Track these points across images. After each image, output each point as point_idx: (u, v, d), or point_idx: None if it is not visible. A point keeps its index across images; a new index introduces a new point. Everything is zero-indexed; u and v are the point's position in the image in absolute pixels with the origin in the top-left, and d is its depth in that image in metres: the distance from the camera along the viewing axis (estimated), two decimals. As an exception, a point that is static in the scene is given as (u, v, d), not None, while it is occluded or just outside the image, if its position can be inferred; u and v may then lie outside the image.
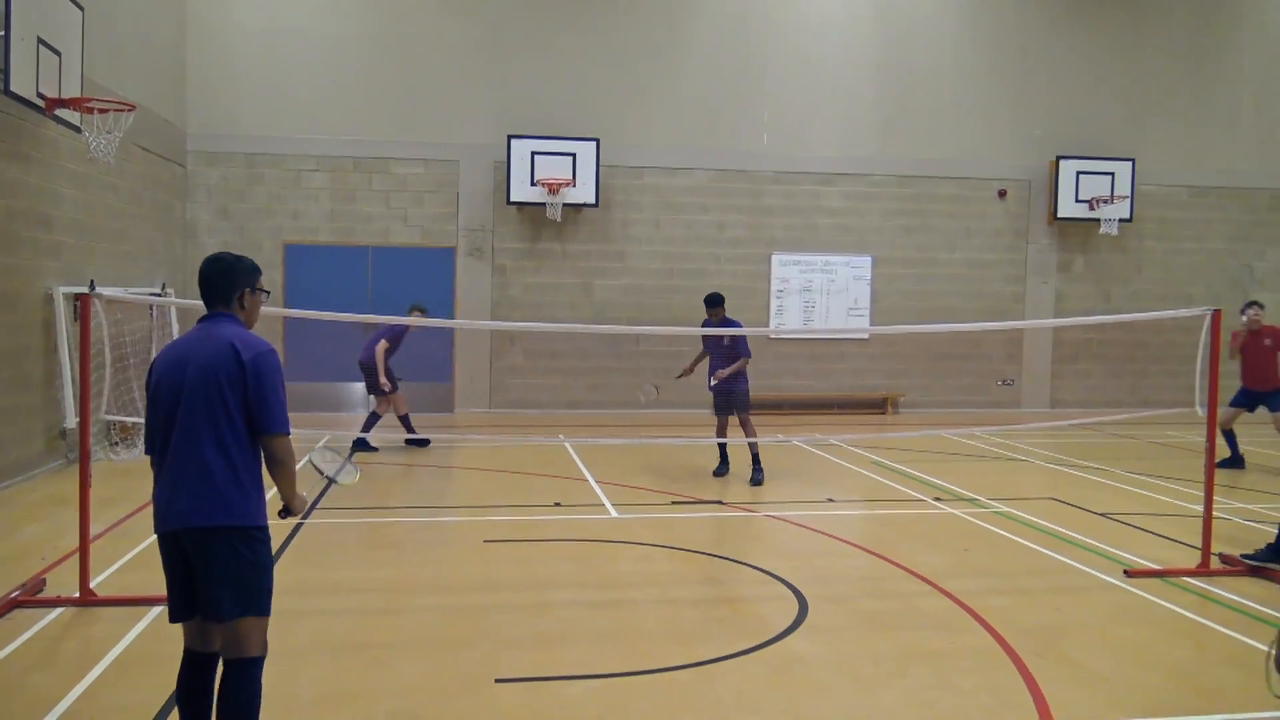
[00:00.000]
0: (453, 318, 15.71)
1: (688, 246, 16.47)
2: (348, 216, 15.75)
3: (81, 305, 6.15)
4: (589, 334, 15.99)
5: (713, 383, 10.30)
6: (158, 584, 6.24)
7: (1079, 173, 16.89)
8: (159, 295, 13.48)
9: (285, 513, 3.88)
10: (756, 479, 10.26)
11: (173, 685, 4.66)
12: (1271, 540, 7.19)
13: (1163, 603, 6.43)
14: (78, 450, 10.64)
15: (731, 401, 10.37)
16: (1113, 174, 16.91)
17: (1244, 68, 17.80)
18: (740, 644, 5.56)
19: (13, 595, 6.01)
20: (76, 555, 7.13)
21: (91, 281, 11.25)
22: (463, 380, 15.96)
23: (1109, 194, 16.86)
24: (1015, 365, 17.45)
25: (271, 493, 3.85)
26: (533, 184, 15.51)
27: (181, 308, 12.94)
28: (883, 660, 5.42)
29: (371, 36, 15.68)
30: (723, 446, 10.74)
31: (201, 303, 3.90)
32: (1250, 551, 7.23)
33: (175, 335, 13.56)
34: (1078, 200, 16.89)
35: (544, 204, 15.56)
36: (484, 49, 15.90)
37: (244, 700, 3.62)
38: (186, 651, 3.84)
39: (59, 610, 5.95)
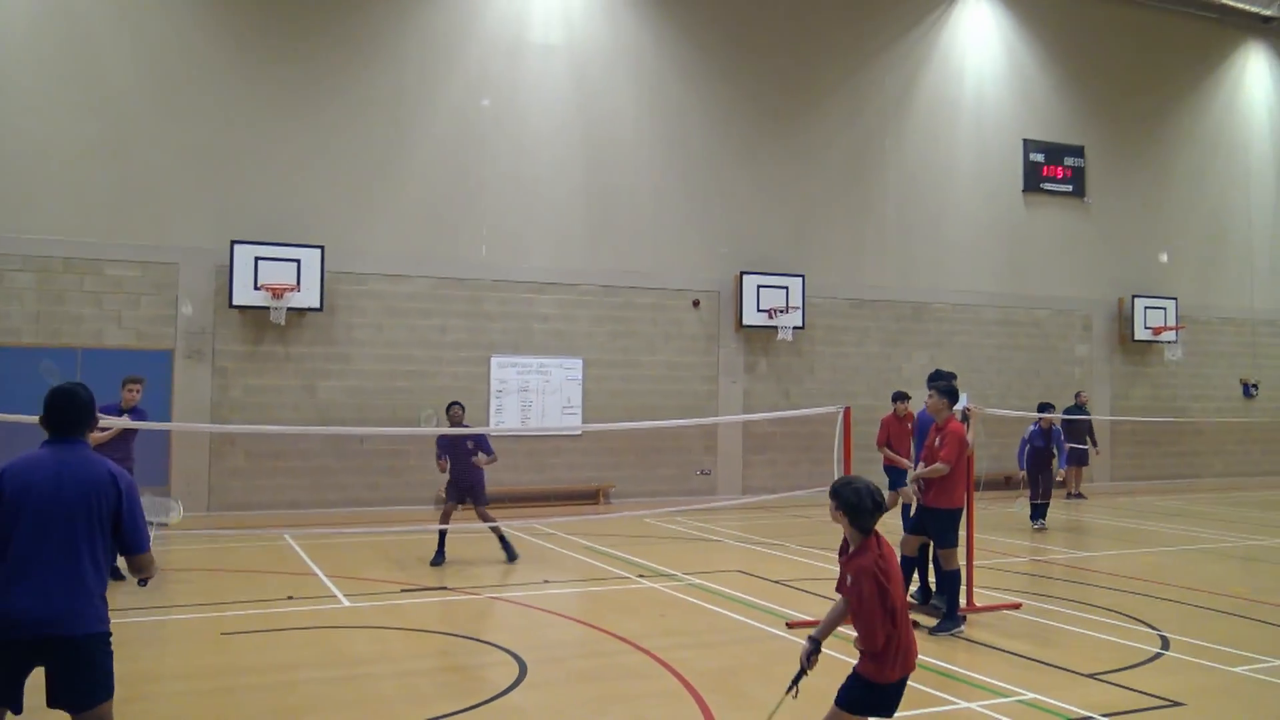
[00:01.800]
0: (169, 420, 15.57)
1: (411, 349, 17.27)
2: (55, 318, 15.35)
3: None
4: (312, 435, 16.29)
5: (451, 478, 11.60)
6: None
7: (759, 286, 19.32)
8: None
9: (143, 583, 4.39)
10: (513, 557, 11.58)
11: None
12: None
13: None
14: None
15: (475, 494, 11.55)
16: (787, 288, 19.48)
17: (886, 201, 21.13)
18: (469, 701, 6.46)
19: None
20: None
21: None
22: (179, 483, 15.76)
23: (784, 305, 19.38)
24: (712, 456, 19.39)
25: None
26: (256, 288, 15.84)
27: None
28: (589, 704, 6.50)
29: (87, 137, 15.58)
30: (442, 536, 11.58)
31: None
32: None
33: None
34: (759, 309, 19.29)
35: (268, 308, 15.91)
36: (207, 154, 16.20)
37: None
38: None
39: None
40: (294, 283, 15.98)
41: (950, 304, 21.51)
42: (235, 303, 15.84)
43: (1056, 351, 22.50)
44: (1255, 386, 24.30)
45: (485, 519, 11.64)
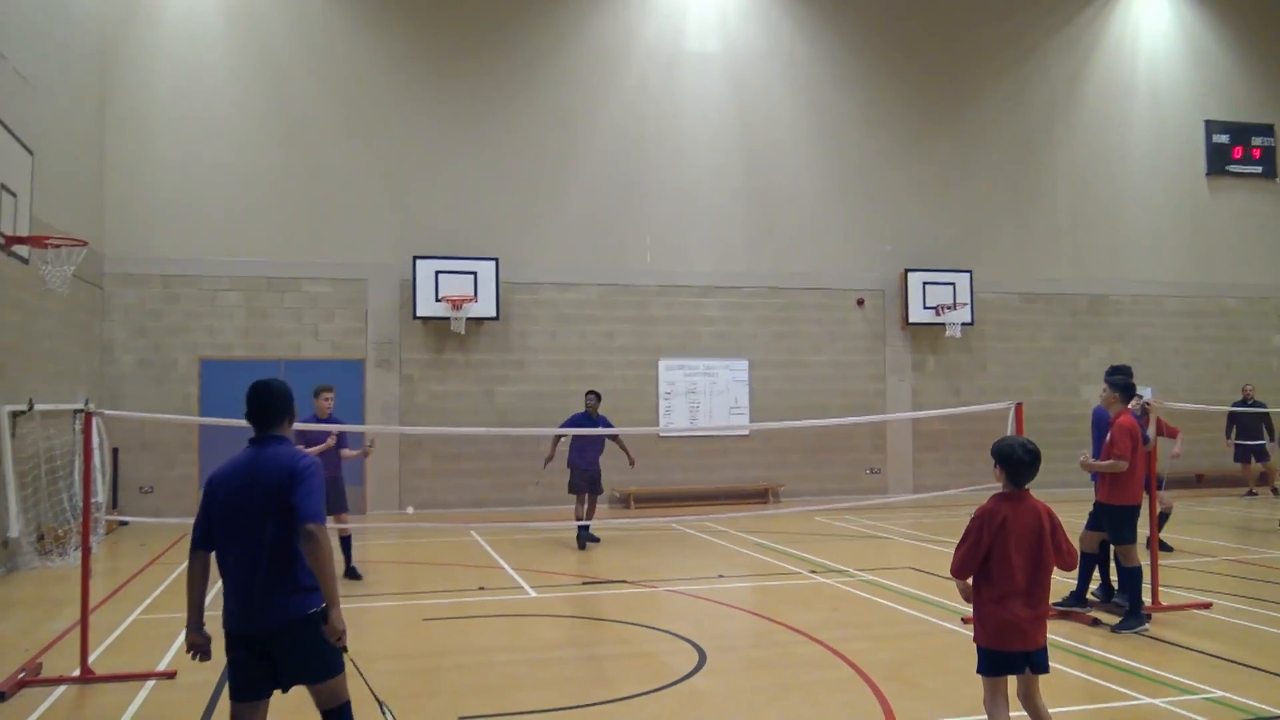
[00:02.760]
0: (363, 424, 16.68)
1: (581, 354, 17.93)
2: (261, 332, 16.73)
3: (85, 421, 7.17)
4: (491, 436, 17.13)
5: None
6: (139, 663, 7.25)
7: (925, 283, 19.12)
8: (80, 409, 14.17)
9: (323, 618, 4.37)
10: (584, 544, 12.88)
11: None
12: (1074, 589, 8.88)
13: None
14: (16, 559, 11.33)
15: (595, 483, 13.10)
16: (954, 284, 19.21)
17: (1057, 192, 20.52)
18: (652, 684, 6.84)
19: (19, 676, 6.85)
20: (59, 644, 8.01)
21: (30, 400, 12.02)
22: (373, 484, 16.88)
23: (952, 301, 19.11)
24: (881, 454, 19.31)
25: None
26: (437, 300, 16.83)
27: (111, 421, 13.64)
28: (767, 690, 6.77)
29: (283, 166, 16.93)
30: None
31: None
32: (1059, 599, 8.89)
33: (96, 448, 14.21)
34: (925, 307, 19.09)
35: (448, 318, 16.86)
36: (388, 177, 17.32)
37: None
38: None
39: (63, 687, 6.82)
40: (471, 294, 16.88)
41: (1130, 295, 20.70)
42: (418, 314, 16.85)
43: (1249, 342, 21.31)
44: None
45: (593, 509, 13.22)
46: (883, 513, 16.71)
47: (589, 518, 13.20)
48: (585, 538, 13.02)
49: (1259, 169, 21.59)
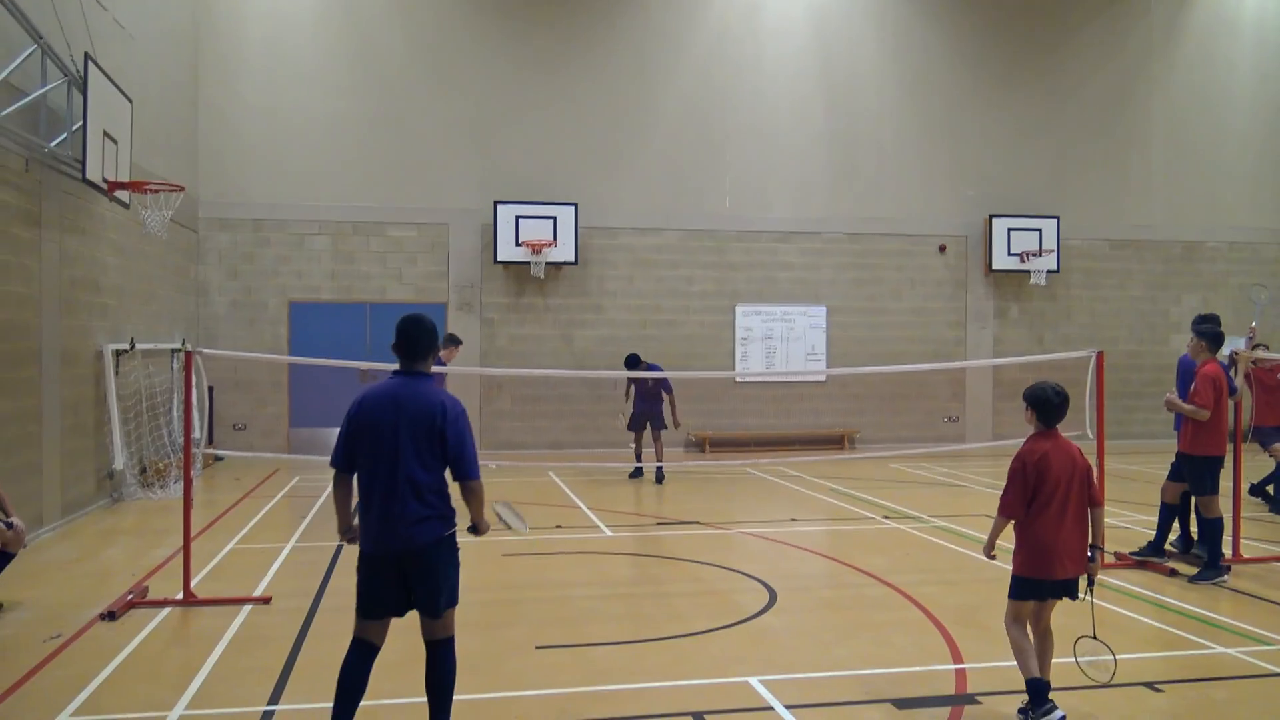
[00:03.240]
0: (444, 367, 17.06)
1: (659, 299, 18.04)
2: (347, 275, 17.17)
3: (185, 360, 7.54)
4: (570, 379, 17.41)
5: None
6: (237, 589, 7.66)
7: (1010, 229, 18.73)
8: (178, 349, 14.78)
9: (473, 529, 4.70)
10: (660, 478, 13.86)
11: (281, 659, 6.08)
12: (1152, 538, 8.80)
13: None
14: (121, 490, 11.96)
15: (654, 423, 13.93)
16: (1040, 230, 18.77)
17: (1152, 133, 19.82)
18: (724, 620, 7.02)
19: (128, 598, 7.32)
20: (163, 569, 8.50)
21: (132, 339, 12.59)
22: (454, 425, 17.28)
23: (1037, 248, 18.70)
24: (959, 403, 19.12)
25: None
26: (518, 245, 17.04)
27: (207, 360, 14.18)
28: (836, 629, 6.91)
29: (368, 113, 17.22)
30: (639, 456, 14.18)
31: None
32: (1136, 549, 8.82)
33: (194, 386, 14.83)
34: (1009, 254, 18.71)
35: (528, 262, 17.09)
36: (470, 124, 17.49)
37: (453, 667, 4.66)
38: (363, 643, 4.58)
39: (167, 609, 7.26)
40: (551, 239, 17.05)
41: (1226, 242, 20.02)
42: (499, 259, 17.09)
43: (1353, 291, 20.45)
44: None
45: (659, 444, 14.07)
46: (959, 460, 16.61)
47: (659, 457, 13.88)
48: (658, 476, 13.92)
49: (1372, 108, 20.55)
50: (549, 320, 17.71)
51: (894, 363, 17.83)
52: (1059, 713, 4.91)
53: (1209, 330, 8.23)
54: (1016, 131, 19.26)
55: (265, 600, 7.52)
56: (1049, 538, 5.10)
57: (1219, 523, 8.12)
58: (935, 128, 19.01)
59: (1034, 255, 18.67)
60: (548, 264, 17.20)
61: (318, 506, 12.03)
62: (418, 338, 4.66)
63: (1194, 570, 8.24)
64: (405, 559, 4.52)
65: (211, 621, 6.97)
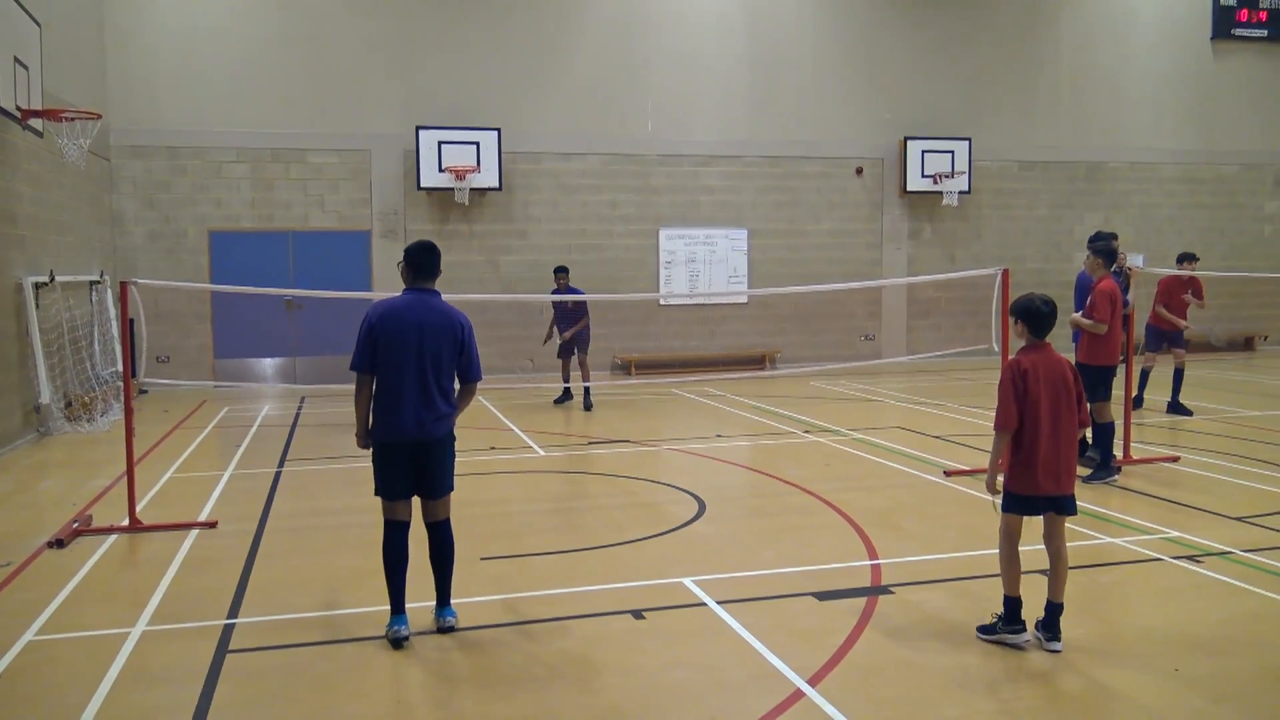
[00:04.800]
0: (370, 292, 17.09)
1: (584, 224, 18.21)
2: (268, 204, 16.98)
3: (121, 290, 7.59)
4: (498, 305, 17.57)
5: (564, 337, 14.09)
6: (181, 515, 7.85)
7: (924, 151, 19.24)
8: (96, 281, 14.58)
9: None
10: (589, 405, 13.91)
11: (235, 578, 6.34)
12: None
13: (967, 491, 8.58)
14: (48, 424, 11.91)
15: (579, 347, 14.09)
16: (953, 152, 19.32)
17: (1061, 56, 20.42)
18: (658, 529, 7.45)
19: (74, 526, 7.46)
20: (103, 499, 8.61)
21: (51, 272, 12.41)
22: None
23: (950, 170, 19.27)
24: (876, 321, 19.79)
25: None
26: (441, 171, 17.01)
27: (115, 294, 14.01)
28: (762, 534, 7.39)
29: (285, 35, 16.87)
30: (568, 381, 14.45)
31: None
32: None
33: (112, 318, 14.68)
34: (923, 175, 19.26)
35: (452, 189, 17.08)
36: (390, 46, 17.26)
37: (451, 542, 5.51)
38: (394, 523, 5.33)
39: (114, 536, 7.42)
40: (475, 164, 17.05)
41: (1127, 163, 20.84)
42: (423, 185, 17.05)
43: (1243, 209, 21.56)
44: None
45: (585, 368, 14.14)
46: (876, 376, 17.30)
47: (586, 379, 14.06)
48: (585, 403, 14.06)
49: (1264, 32, 21.40)
50: (475, 246, 17.78)
51: (814, 284, 18.32)
52: (1025, 635, 5.04)
53: (1103, 247, 8.77)
54: (931, 55, 19.67)
55: (211, 524, 7.72)
56: (1038, 451, 4.98)
57: (1110, 427, 8.77)
58: (854, 52, 19.31)
59: (947, 177, 19.24)
60: (472, 190, 17.21)
61: (252, 434, 12.15)
62: (433, 262, 5.41)
63: (1088, 472, 8.91)
64: (420, 449, 5.25)
65: (160, 546, 7.16)
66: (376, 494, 5.38)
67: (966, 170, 19.35)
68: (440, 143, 17.02)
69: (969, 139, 19.44)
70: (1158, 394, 13.13)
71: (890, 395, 15.04)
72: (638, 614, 5.63)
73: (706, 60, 18.61)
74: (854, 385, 16.16)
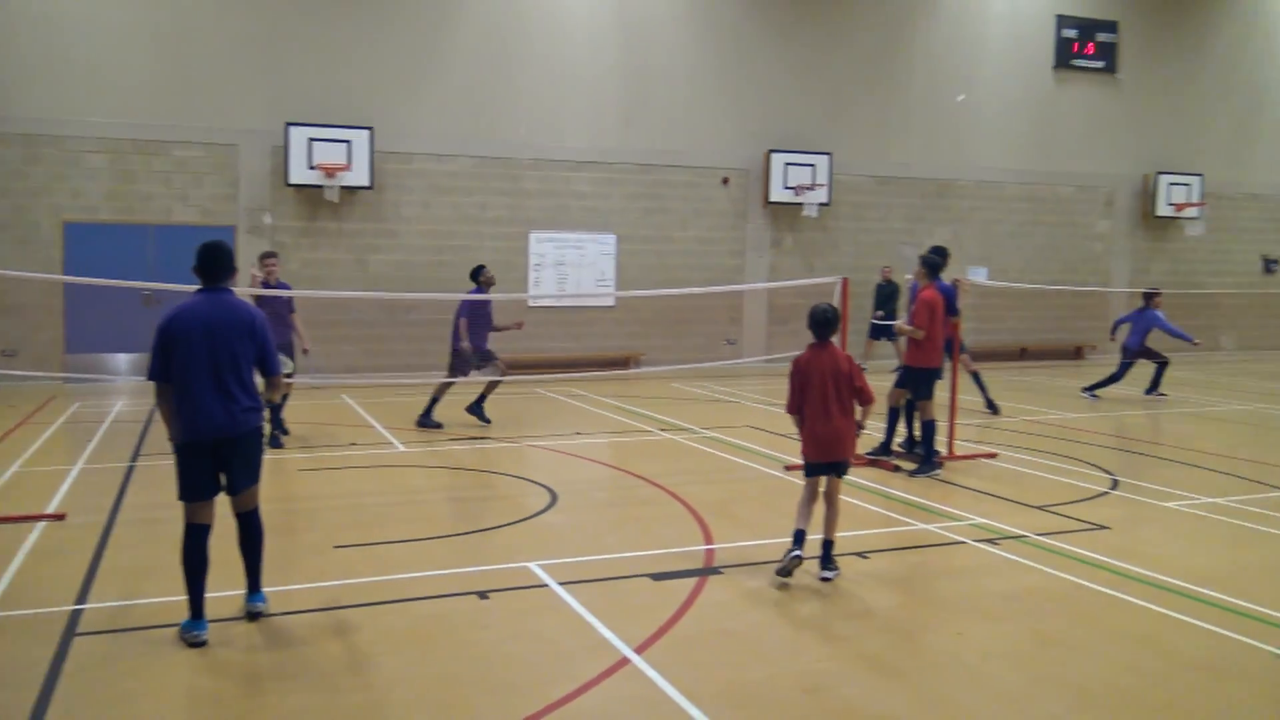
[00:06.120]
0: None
1: (454, 225, 18.39)
2: (128, 196, 16.62)
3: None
4: (365, 302, 17.58)
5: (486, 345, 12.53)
6: (28, 508, 7.82)
7: (787, 164, 20.08)
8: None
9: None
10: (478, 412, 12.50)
11: (83, 567, 6.43)
12: (883, 440, 10.17)
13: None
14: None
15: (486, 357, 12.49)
16: (814, 165, 20.22)
17: (915, 79, 21.57)
18: (509, 519, 7.80)
19: (-86, 517, 7.36)
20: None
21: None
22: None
23: (811, 182, 20.15)
24: (738, 326, 20.52)
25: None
26: (310, 168, 16.96)
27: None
28: (607, 523, 7.82)
29: (151, 25, 16.54)
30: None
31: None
32: (870, 449, 10.17)
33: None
34: (785, 187, 20.09)
35: (321, 186, 17.05)
36: (261, 41, 17.12)
37: (260, 530, 5.62)
38: (196, 527, 5.26)
39: (-42, 526, 7.36)
40: (345, 162, 17.06)
41: (974, 181, 22.12)
42: (291, 181, 16.97)
43: (1077, 228, 23.11)
44: (1276, 262, 24.77)
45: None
46: (736, 379, 17.99)
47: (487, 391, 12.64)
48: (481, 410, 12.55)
49: (1101, 64, 23.02)
50: (343, 245, 17.76)
51: (678, 289, 18.91)
52: (795, 553, 6.18)
53: (929, 259, 9.56)
54: (795, 72, 20.53)
55: (59, 517, 7.71)
56: (815, 428, 6.37)
57: (932, 424, 9.52)
58: (723, 65, 20.02)
59: (807, 189, 20.11)
60: (342, 188, 17.21)
61: (104, 429, 11.98)
62: (225, 262, 5.45)
63: (914, 466, 9.65)
64: (224, 445, 5.31)
65: (5, 537, 7.14)
66: (180, 498, 5.31)
67: (826, 183, 20.26)
68: (311, 140, 16.96)
69: (829, 154, 20.36)
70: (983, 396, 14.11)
71: (747, 396, 15.70)
72: (482, 595, 5.97)
73: (580, 68, 19.03)
74: (715, 387, 16.79)
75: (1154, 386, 15.74)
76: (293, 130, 16.85)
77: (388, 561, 6.71)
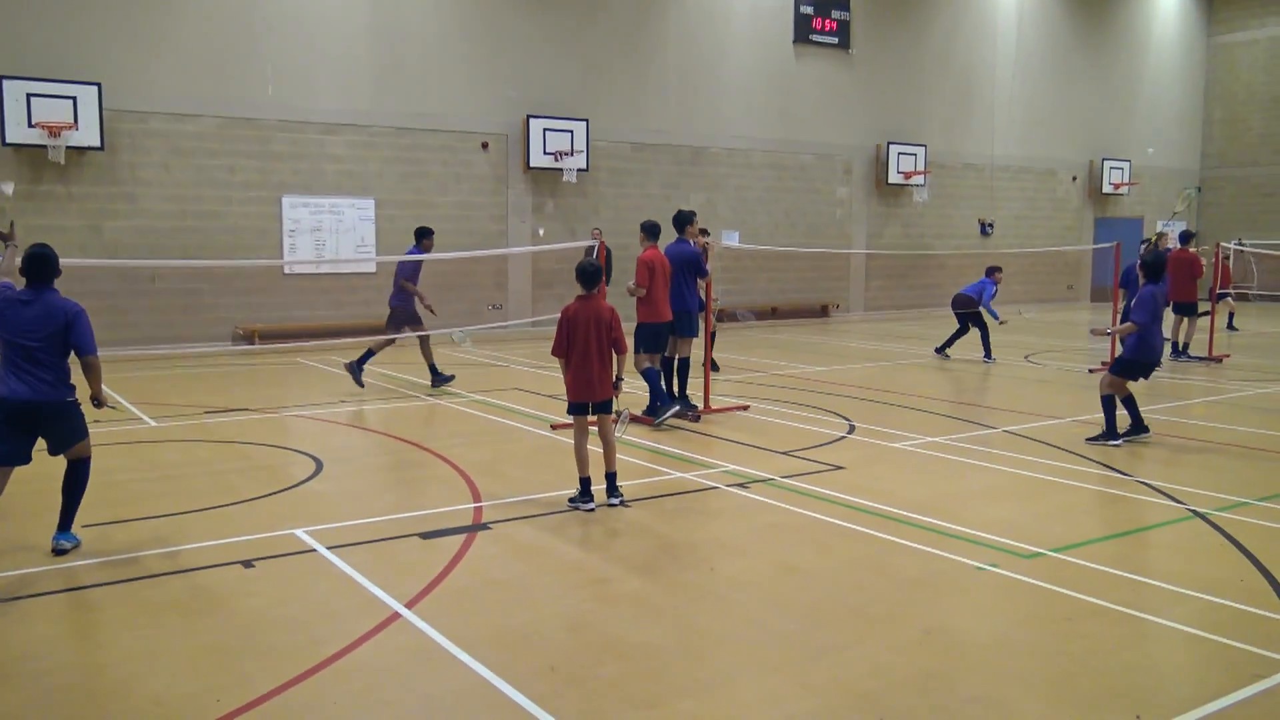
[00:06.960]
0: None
1: (199, 189, 17.43)
2: None
3: None
4: (104, 271, 16.42)
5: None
6: None
7: (546, 130, 20.28)
8: None
9: (96, 401, 6.23)
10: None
11: None
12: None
13: (566, 440, 9.51)
14: None
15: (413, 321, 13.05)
16: (572, 131, 20.52)
17: (668, 48, 22.25)
18: (272, 489, 7.68)
19: None
20: None
21: None
22: (-37, 324, 15.71)
23: (570, 148, 20.46)
24: (503, 291, 20.63)
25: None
26: (31, 125, 15.60)
27: None
28: (376, 487, 7.86)
29: None
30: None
31: None
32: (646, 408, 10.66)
33: None
34: (545, 153, 20.30)
35: (45, 146, 15.73)
36: (-37, -16, 15.53)
37: (86, 475, 6.35)
38: None
39: None
40: (72, 121, 15.81)
41: (725, 149, 23.12)
42: (9, 140, 15.57)
43: (820, 194, 24.64)
44: (991, 226, 27.39)
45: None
46: (503, 343, 18.15)
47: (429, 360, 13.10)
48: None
49: (835, 40, 24.54)
50: (73, 210, 16.49)
51: (441, 254, 18.79)
52: (591, 504, 7.00)
53: (646, 224, 10.67)
54: (552, 38, 20.69)
55: None
56: (579, 371, 7.11)
57: (653, 372, 10.21)
58: (478, 29, 19.89)
59: (566, 155, 20.40)
60: (68, 148, 15.94)
61: None
62: (52, 265, 6.23)
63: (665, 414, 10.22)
64: (41, 412, 6.04)
65: None
66: None
67: (585, 149, 20.62)
68: (29, 95, 15.58)
69: (586, 120, 20.71)
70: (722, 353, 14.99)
71: (516, 360, 15.90)
72: (248, 564, 5.92)
73: (329, 26, 18.40)
74: (481, 351, 16.88)
75: (949, 344, 16.43)
76: (7, 84, 15.44)
77: (143, 537, 6.50)
